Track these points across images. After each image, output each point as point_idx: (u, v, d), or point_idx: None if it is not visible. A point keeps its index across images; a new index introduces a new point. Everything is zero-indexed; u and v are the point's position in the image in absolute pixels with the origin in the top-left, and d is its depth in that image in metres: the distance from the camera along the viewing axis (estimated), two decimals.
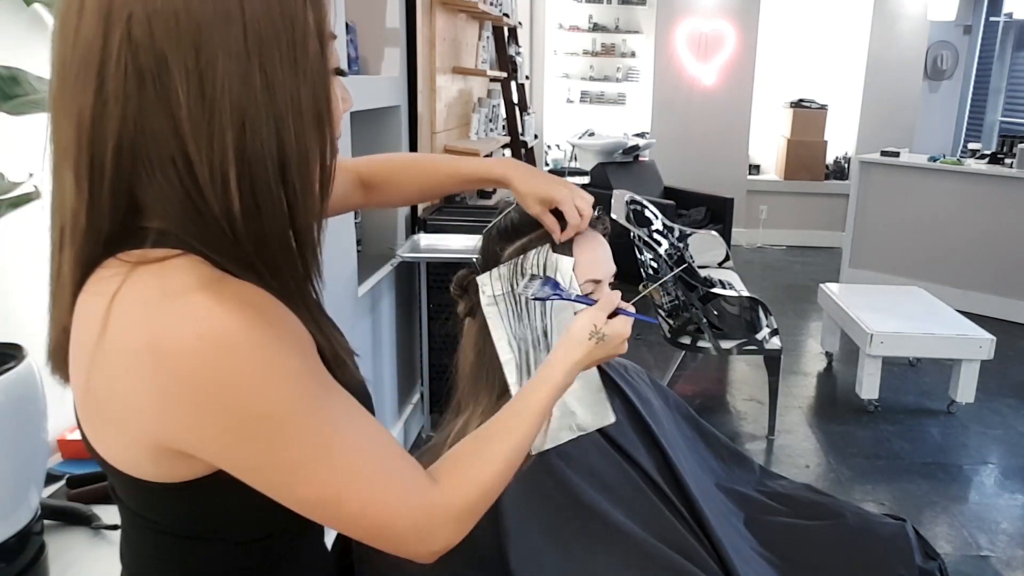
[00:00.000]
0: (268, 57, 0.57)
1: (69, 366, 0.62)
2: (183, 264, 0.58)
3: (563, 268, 1.04)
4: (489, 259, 1.10)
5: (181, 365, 0.54)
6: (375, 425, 0.67)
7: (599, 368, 1.22)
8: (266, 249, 0.60)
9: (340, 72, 0.67)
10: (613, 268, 1.12)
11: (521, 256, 1.05)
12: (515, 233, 1.08)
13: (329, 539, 0.84)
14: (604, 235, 1.15)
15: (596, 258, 1.09)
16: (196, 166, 0.56)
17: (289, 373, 0.59)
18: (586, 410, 1.00)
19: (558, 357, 0.84)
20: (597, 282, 1.09)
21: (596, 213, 1.16)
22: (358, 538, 0.67)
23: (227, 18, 0.55)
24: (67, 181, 0.59)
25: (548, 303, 1.02)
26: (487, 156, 3.83)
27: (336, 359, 0.68)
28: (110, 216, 0.59)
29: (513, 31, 4.36)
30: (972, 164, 4.99)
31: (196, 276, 0.57)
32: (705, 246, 4.04)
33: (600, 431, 1.13)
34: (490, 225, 1.12)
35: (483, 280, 1.05)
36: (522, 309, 1.04)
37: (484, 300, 1.05)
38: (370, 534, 0.66)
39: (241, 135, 0.56)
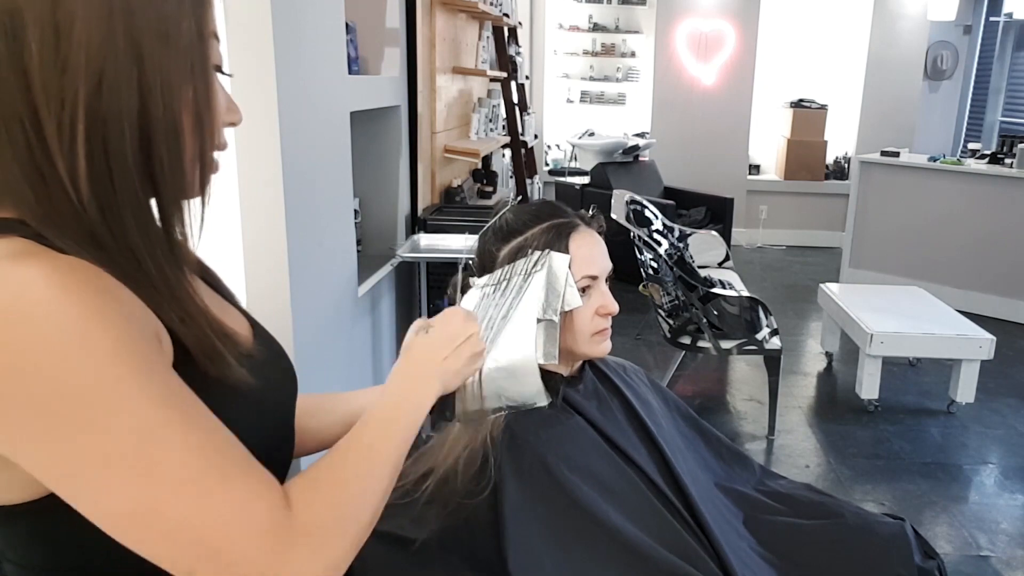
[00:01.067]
0: (133, 23, 0.55)
1: None
2: (11, 242, 0.54)
3: (559, 265, 1.05)
4: (485, 259, 1.12)
5: None
6: (222, 434, 0.58)
7: (591, 364, 1.23)
8: (116, 219, 0.57)
9: (219, 69, 0.65)
10: (609, 264, 1.14)
11: (517, 255, 1.07)
12: (510, 233, 1.10)
13: None
14: (600, 233, 1.16)
15: (591, 255, 1.11)
16: (44, 122, 0.54)
17: (105, 350, 0.52)
18: (519, 387, 1.03)
19: (401, 366, 0.82)
20: (594, 278, 1.11)
21: (592, 211, 1.17)
22: (181, 571, 0.55)
23: None
24: None
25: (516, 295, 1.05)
26: (485, 157, 3.84)
27: (210, 352, 0.62)
28: None
29: (513, 31, 4.36)
30: (972, 164, 4.99)
31: (15, 246, 0.54)
32: (705, 246, 4.04)
33: (599, 432, 1.13)
34: (486, 226, 1.14)
35: (476, 282, 1.08)
36: (494, 298, 1.06)
37: (472, 291, 1.08)
38: (200, 566, 0.55)
39: (96, 92, 0.54)
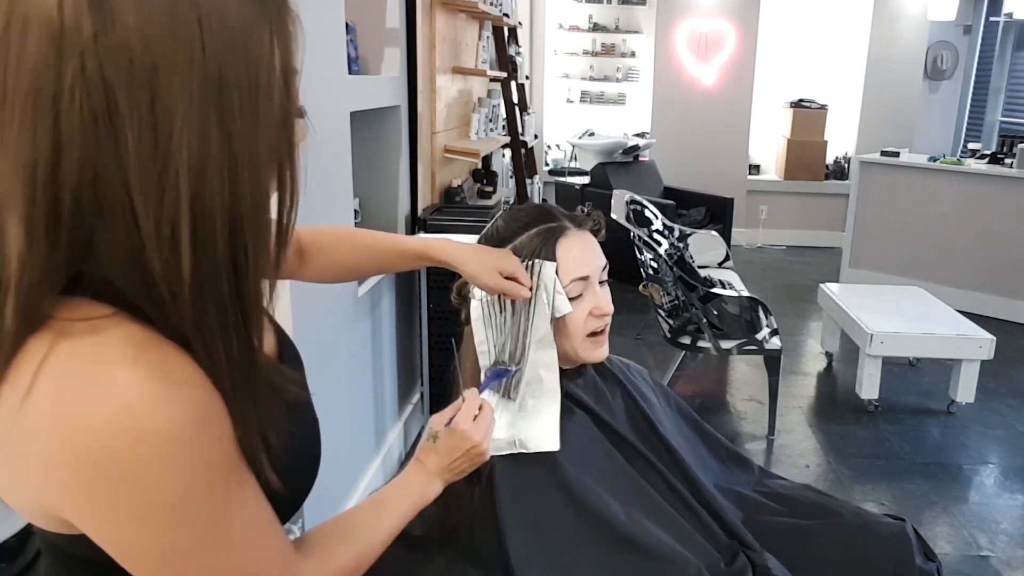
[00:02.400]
0: (227, 104, 0.51)
1: None
2: (114, 328, 0.52)
3: (546, 273, 1.07)
4: None
5: (90, 448, 0.50)
6: (260, 507, 0.63)
7: (595, 364, 1.23)
8: (205, 317, 0.54)
9: (300, 114, 0.60)
10: (602, 262, 1.15)
11: None
12: (501, 241, 1.12)
13: None
14: (596, 232, 1.17)
15: (579, 257, 1.12)
16: (140, 219, 0.50)
17: (198, 467, 0.54)
18: (533, 430, 1.06)
19: (415, 464, 0.93)
20: (585, 279, 1.12)
21: (587, 210, 1.18)
22: None
23: (188, 60, 0.49)
24: (11, 230, 0.50)
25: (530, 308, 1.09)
26: (485, 157, 3.84)
27: (251, 459, 0.61)
28: (66, 269, 0.52)
29: (513, 31, 4.36)
30: (972, 164, 4.99)
31: (127, 344, 0.52)
32: (705, 246, 4.04)
33: (599, 424, 1.14)
34: (480, 234, 1.17)
35: (475, 293, 1.12)
36: (499, 310, 1.10)
37: (472, 302, 1.11)
38: None
39: (197, 190, 0.50)
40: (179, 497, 0.54)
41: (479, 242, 1.14)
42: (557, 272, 1.08)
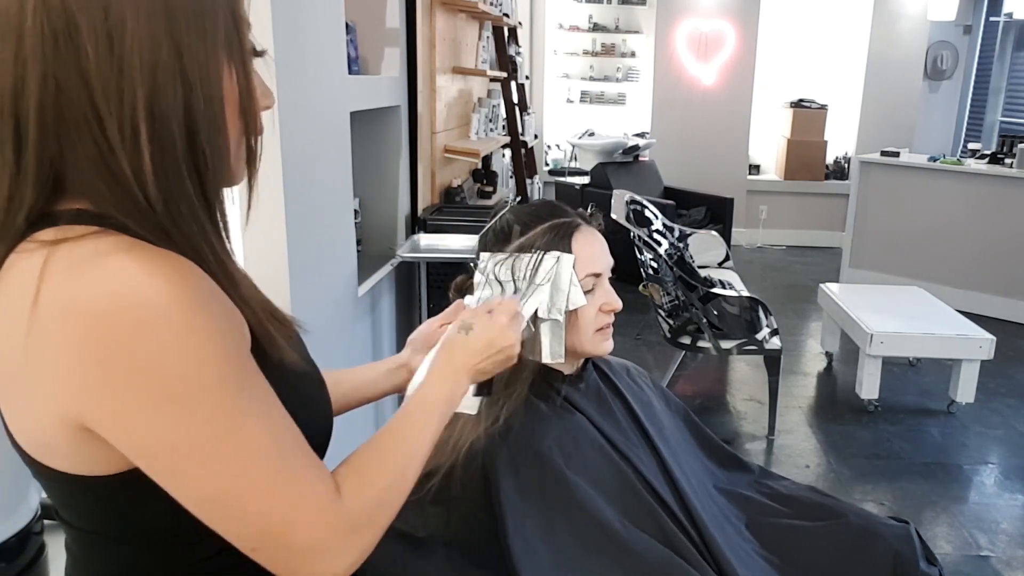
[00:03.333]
0: (175, 22, 0.57)
1: None
2: (106, 236, 0.57)
3: (564, 266, 1.06)
4: None
5: (94, 325, 0.54)
6: (290, 424, 0.64)
7: (595, 364, 1.23)
8: (178, 212, 0.59)
9: (255, 53, 0.66)
10: (611, 261, 1.16)
11: (521, 251, 1.08)
12: (511, 235, 1.11)
13: None
14: (600, 231, 1.17)
15: (594, 253, 1.13)
16: (106, 123, 0.56)
17: (204, 344, 0.57)
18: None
19: (439, 361, 0.87)
20: (597, 275, 1.13)
21: (591, 210, 1.19)
22: (245, 547, 0.62)
23: None
24: None
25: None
26: (485, 157, 3.84)
27: (265, 335, 0.65)
28: (35, 186, 0.58)
29: (513, 31, 4.36)
30: (972, 164, 4.99)
31: (118, 242, 0.57)
32: (705, 246, 4.04)
33: (599, 431, 1.14)
34: (486, 227, 1.15)
35: (484, 256, 1.08)
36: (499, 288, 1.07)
37: (476, 274, 1.09)
38: (261, 543, 0.61)
39: (152, 93, 0.57)
40: (192, 380, 0.56)
41: (485, 236, 1.14)
42: (574, 265, 1.08)
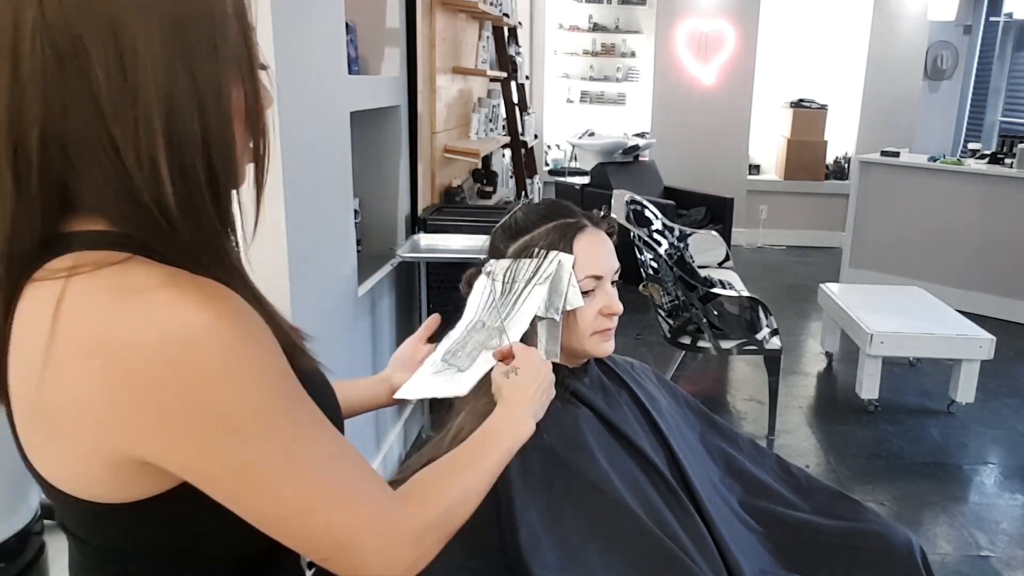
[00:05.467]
0: (187, 41, 0.55)
1: (9, 383, 0.58)
2: (133, 265, 0.56)
3: (563, 266, 1.07)
4: (494, 256, 1.15)
5: (140, 364, 0.52)
6: (341, 437, 0.65)
7: (598, 360, 1.24)
8: (204, 240, 0.59)
9: (263, 67, 0.65)
10: (616, 265, 1.15)
11: (523, 252, 1.11)
12: (518, 232, 1.13)
13: None
14: (610, 234, 1.17)
15: (596, 255, 1.13)
16: (123, 152, 0.54)
17: (259, 372, 0.57)
18: (444, 382, 1.05)
19: (503, 412, 0.89)
20: (599, 278, 1.12)
21: (602, 212, 1.19)
22: (316, 558, 0.63)
23: (142, 3, 0.54)
24: None
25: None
26: (485, 157, 3.84)
27: (292, 347, 0.65)
28: (42, 213, 0.56)
29: (513, 31, 4.36)
30: (972, 164, 4.99)
31: (155, 273, 0.55)
32: (705, 246, 4.04)
33: (605, 422, 1.14)
34: (497, 224, 1.17)
35: (491, 263, 1.12)
36: (497, 299, 1.09)
37: (481, 278, 1.12)
38: (332, 554, 0.62)
39: (169, 120, 0.55)
40: (246, 407, 0.56)
41: (495, 232, 1.16)
42: (574, 266, 1.09)
